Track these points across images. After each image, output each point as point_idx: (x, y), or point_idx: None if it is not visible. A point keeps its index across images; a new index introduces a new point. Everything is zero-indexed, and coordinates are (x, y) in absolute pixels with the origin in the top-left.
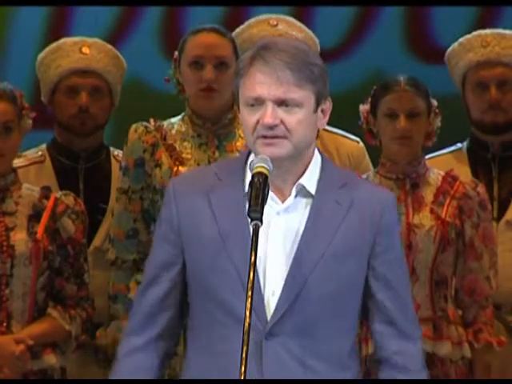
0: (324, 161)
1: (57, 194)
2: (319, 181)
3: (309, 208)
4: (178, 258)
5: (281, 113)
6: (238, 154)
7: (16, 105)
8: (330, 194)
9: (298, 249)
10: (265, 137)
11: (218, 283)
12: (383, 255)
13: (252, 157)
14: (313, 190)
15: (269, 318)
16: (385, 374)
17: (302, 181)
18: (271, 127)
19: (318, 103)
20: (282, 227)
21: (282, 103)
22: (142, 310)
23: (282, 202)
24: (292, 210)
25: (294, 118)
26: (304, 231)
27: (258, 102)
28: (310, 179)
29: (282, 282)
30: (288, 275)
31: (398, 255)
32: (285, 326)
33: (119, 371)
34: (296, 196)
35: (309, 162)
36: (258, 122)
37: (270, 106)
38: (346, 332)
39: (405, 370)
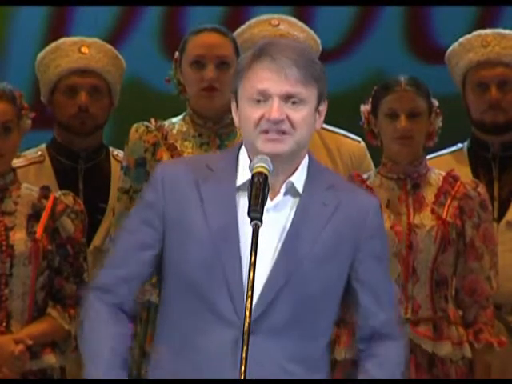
0: (311, 160)
1: (56, 193)
2: (306, 180)
3: (296, 207)
4: (158, 243)
5: (286, 109)
6: None
7: (15, 105)
8: (316, 195)
9: (282, 247)
10: (268, 131)
11: (201, 278)
12: (367, 259)
13: (243, 150)
14: (300, 189)
15: (247, 314)
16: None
17: (293, 179)
18: (276, 122)
19: (318, 102)
20: (270, 224)
21: (288, 99)
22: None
23: (271, 199)
24: (281, 207)
25: (299, 115)
26: (289, 230)
27: (264, 98)
28: (300, 178)
29: (263, 280)
30: (270, 273)
31: (382, 260)
32: (262, 324)
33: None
34: (285, 194)
35: (300, 162)
36: (261, 117)
37: (276, 101)
38: (322, 333)
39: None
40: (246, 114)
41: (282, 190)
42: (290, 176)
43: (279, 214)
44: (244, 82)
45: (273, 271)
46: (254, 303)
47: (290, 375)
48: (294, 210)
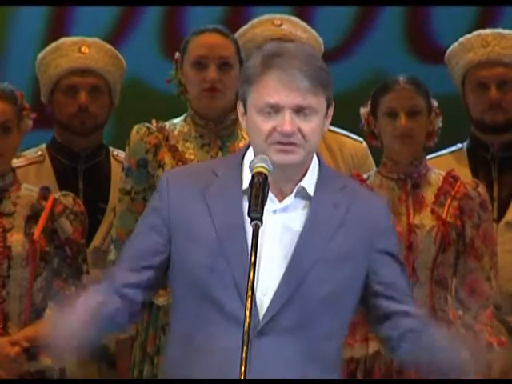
0: (321, 163)
1: (56, 194)
2: (318, 183)
3: (307, 210)
4: (165, 248)
5: (298, 120)
6: None
7: (15, 105)
8: (328, 197)
9: (296, 250)
10: (280, 143)
11: (210, 280)
12: (384, 259)
13: (250, 153)
14: (312, 192)
15: (260, 316)
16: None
17: (303, 183)
18: (288, 135)
19: (327, 108)
20: (279, 226)
21: (299, 111)
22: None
23: (280, 201)
24: (290, 210)
25: (310, 126)
26: (302, 233)
27: (275, 110)
28: (311, 182)
29: (276, 282)
30: (284, 275)
31: (398, 259)
32: (276, 325)
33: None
34: (295, 197)
35: (309, 166)
36: (273, 129)
37: (288, 114)
38: (336, 334)
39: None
40: (256, 125)
41: (293, 194)
42: (299, 180)
43: (289, 217)
44: (254, 92)
45: (286, 273)
46: (267, 304)
47: (304, 375)
48: (305, 213)
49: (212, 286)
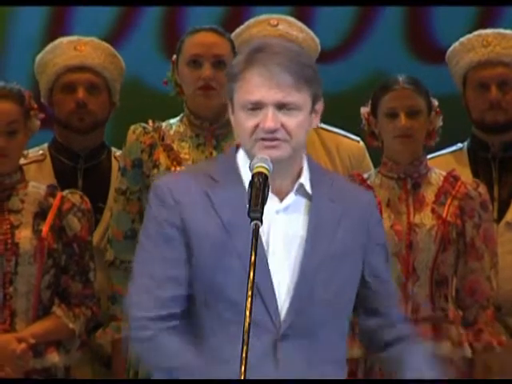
0: (310, 161)
1: (63, 192)
2: (312, 180)
3: (308, 207)
4: (186, 258)
5: (281, 116)
6: None
7: (22, 105)
8: (324, 193)
9: (305, 250)
10: (264, 139)
11: (226, 282)
12: (375, 251)
13: (241, 153)
14: (309, 189)
15: (282, 319)
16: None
17: (302, 180)
18: (271, 131)
19: (313, 104)
20: (283, 227)
21: (282, 107)
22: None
23: (280, 200)
24: (292, 209)
25: (293, 122)
26: (308, 232)
27: (258, 106)
28: (307, 178)
29: (292, 284)
30: (299, 277)
31: (386, 250)
32: (297, 327)
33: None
34: (295, 195)
35: (302, 162)
36: (256, 125)
37: (270, 110)
38: (344, 331)
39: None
40: (240, 123)
41: (293, 192)
42: (295, 177)
43: (292, 216)
44: (238, 89)
45: (300, 276)
46: (286, 308)
47: (319, 374)
48: (307, 211)
49: (229, 288)
